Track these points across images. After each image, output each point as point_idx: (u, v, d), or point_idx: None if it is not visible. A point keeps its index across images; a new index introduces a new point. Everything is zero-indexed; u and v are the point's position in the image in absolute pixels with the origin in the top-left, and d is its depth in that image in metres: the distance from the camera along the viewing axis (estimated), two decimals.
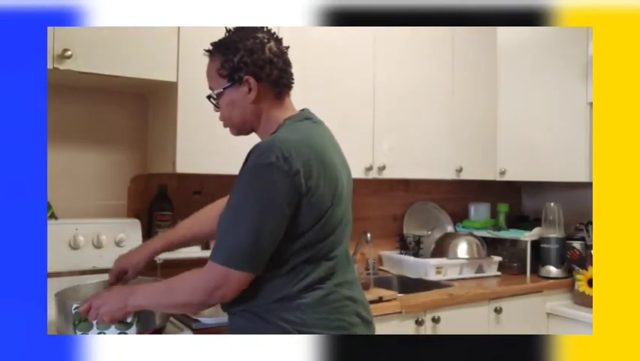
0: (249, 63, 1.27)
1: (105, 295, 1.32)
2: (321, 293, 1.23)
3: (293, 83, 1.36)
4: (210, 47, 1.33)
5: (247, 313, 1.24)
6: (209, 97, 1.34)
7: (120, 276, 1.53)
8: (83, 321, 1.33)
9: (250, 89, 1.28)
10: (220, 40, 1.32)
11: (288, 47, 1.34)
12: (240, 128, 1.35)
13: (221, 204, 1.52)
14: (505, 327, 2.31)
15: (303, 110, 1.37)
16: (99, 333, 1.33)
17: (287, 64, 1.33)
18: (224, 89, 1.30)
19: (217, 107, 1.34)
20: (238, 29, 1.32)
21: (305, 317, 1.20)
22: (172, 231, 1.61)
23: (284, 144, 1.17)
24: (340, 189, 1.27)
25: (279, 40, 1.33)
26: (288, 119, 1.30)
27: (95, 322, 1.32)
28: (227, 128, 1.38)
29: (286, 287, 1.21)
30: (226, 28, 1.33)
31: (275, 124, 1.30)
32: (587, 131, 2.61)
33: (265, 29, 1.33)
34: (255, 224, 1.15)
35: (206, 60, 1.90)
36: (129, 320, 1.34)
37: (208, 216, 1.53)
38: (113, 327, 1.33)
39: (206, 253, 2.05)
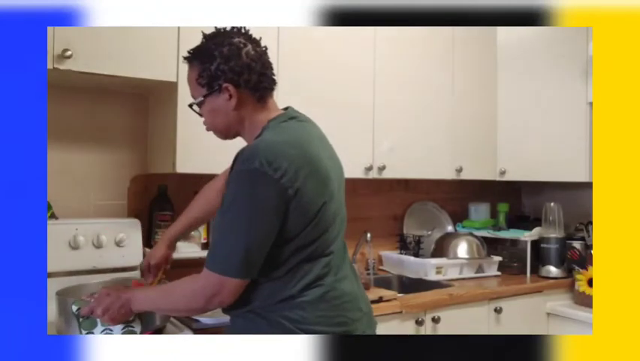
0: (227, 70, 1.25)
1: (106, 301, 1.31)
2: (321, 291, 1.24)
3: (275, 84, 1.34)
4: (188, 55, 1.31)
5: (250, 314, 1.25)
6: (190, 105, 1.33)
7: (158, 270, 1.60)
8: (86, 319, 1.33)
9: (230, 96, 1.27)
10: (197, 48, 1.30)
11: (266, 48, 1.33)
12: (226, 134, 1.36)
13: (221, 179, 1.60)
14: (505, 327, 2.31)
15: (286, 109, 1.36)
16: (104, 330, 1.33)
17: (266, 66, 1.31)
18: (204, 97, 1.29)
19: (200, 114, 1.34)
20: (214, 35, 1.30)
21: (306, 314, 1.21)
22: (185, 214, 1.63)
23: (268, 148, 1.17)
24: (331, 186, 1.27)
25: (256, 42, 1.31)
26: (271, 121, 1.29)
27: (99, 319, 1.33)
28: (214, 134, 1.38)
29: (288, 288, 1.22)
30: (203, 33, 1.31)
31: (259, 127, 1.28)
32: (587, 131, 2.60)
33: (242, 31, 1.31)
34: (244, 232, 1.16)
35: None
36: (131, 318, 1.34)
37: (215, 191, 1.59)
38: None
39: (206, 254, 2.05)
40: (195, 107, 1.33)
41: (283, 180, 1.14)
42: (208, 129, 1.36)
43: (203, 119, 1.35)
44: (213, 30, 1.31)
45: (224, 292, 1.18)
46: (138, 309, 1.31)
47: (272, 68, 1.33)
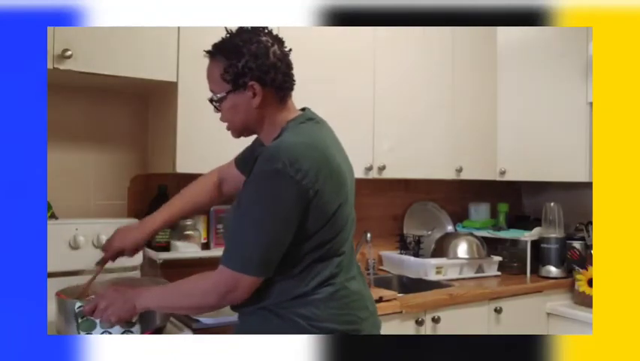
0: (254, 68, 1.25)
1: (111, 296, 1.31)
2: (332, 289, 1.25)
3: (294, 84, 1.35)
4: (211, 49, 1.30)
5: (261, 311, 1.26)
6: (211, 100, 1.32)
7: (117, 256, 1.53)
8: (85, 320, 1.32)
9: (255, 94, 1.27)
10: (222, 42, 1.29)
11: (290, 50, 1.33)
12: (241, 132, 1.35)
13: (214, 175, 1.59)
14: (505, 327, 2.31)
15: (304, 110, 1.37)
16: (103, 332, 1.33)
17: (289, 67, 1.32)
18: (227, 93, 1.28)
19: (218, 110, 1.33)
20: (241, 31, 1.29)
21: (318, 311, 1.23)
22: (169, 205, 1.58)
23: (290, 149, 1.18)
24: (347, 187, 1.29)
25: (281, 42, 1.31)
26: (291, 122, 1.30)
27: (98, 320, 1.32)
28: (229, 131, 1.36)
29: (300, 286, 1.24)
30: (226, 28, 1.31)
31: (278, 127, 1.30)
32: (587, 131, 2.61)
33: (267, 31, 1.31)
34: (264, 231, 1.18)
35: (206, 60, 1.89)
36: (133, 319, 1.34)
37: (203, 186, 1.58)
38: (117, 326, 1.33)
39: (206, 254, 2.05)
40: (215, 103, 1.32)
41: (304, 182, 1.16)
42: (228, 128, 1.35)
43: (219, 114, 1.34)
44: (237, 27, 1.30)
45: (239, 289, 1.20)
46: (143, 306, 1.30)
47: (293, 69, 1.33)
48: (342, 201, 1.26)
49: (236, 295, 1.21)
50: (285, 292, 1.24)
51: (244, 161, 1.51)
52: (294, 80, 1.34)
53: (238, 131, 1.35)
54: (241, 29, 1.30)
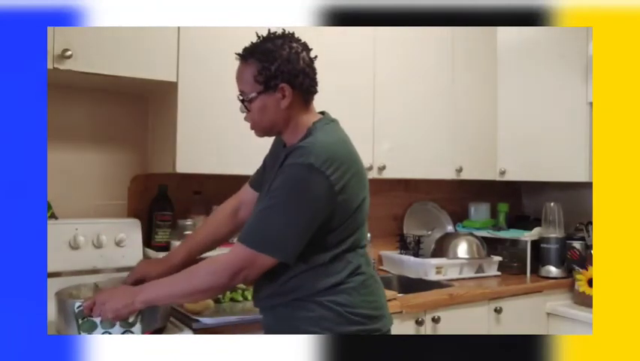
0: (286, 72, 1.32)
1: (110, 291, 1.34)
2: (362, 278, 1.35)
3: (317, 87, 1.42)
4: (243, 52, 1.36)
5: (297, 302, 1.32)
6: (242, 101, 1.37)
7: (138, 282, 1.53)
8: (86, 321, 1.32)
9: (284, 96, 1.34)
10: (254, 46, 1.35)
11: (316, 57, 1.39)
12: (267, 131, 1.41)
13: (231, 203, 1.62)
14: (505, 327, 2.31)
15: (323, 113, 1.44)
16: (104, 333, 1.32)
17: (315, 72, 1.39)
18: (258, 94, 1.34)
19: (248, 110, 1.38)
20: (272, 36, 1.35)
21: (351, 298, 1.32)
22: (190, 240, 1.63)
23: (322, 147, 1.27)
24: (367, 185, 1.40)
25: (308, 50, 1.38)
26: (317, 123, 1.37)
27: (99, 321, 1.32)
28: (255, 130, 1.42)
29: (333, 275, 1.31)
30: (257, 33, 1.37)
31: (304, 128, 1.37)
32: (587, 131, 2.61)
33: (295, 37, 1.37)
34: (288, 216, 1.25)
35: (206, 60, 1.89)
36: (131, 319, 1.33)
37: (221, 218, 1.62)
38: (117, 326, 1.33)
39: (207, 254, 2.05)
40: (245, 103, 1.37)
41: (332, 178, 1.25)
42: (252, 127, 1.41)
43: (244, 114, 1.39)
44: (268, 32, 1.37)
45: (254, 267, 1.26)
46: (145, 300, 1.30)
47: (317, 74, 1.40)
48: (365, 197, 1.37)
49: (248, 273, 1.26)
50: (318, 283, 1.31)
51: (258, 181, 1.55)
52: (317, 85, 1.40)
53: (264, 130, 1.41)
54: (273, 35, 1.36)
